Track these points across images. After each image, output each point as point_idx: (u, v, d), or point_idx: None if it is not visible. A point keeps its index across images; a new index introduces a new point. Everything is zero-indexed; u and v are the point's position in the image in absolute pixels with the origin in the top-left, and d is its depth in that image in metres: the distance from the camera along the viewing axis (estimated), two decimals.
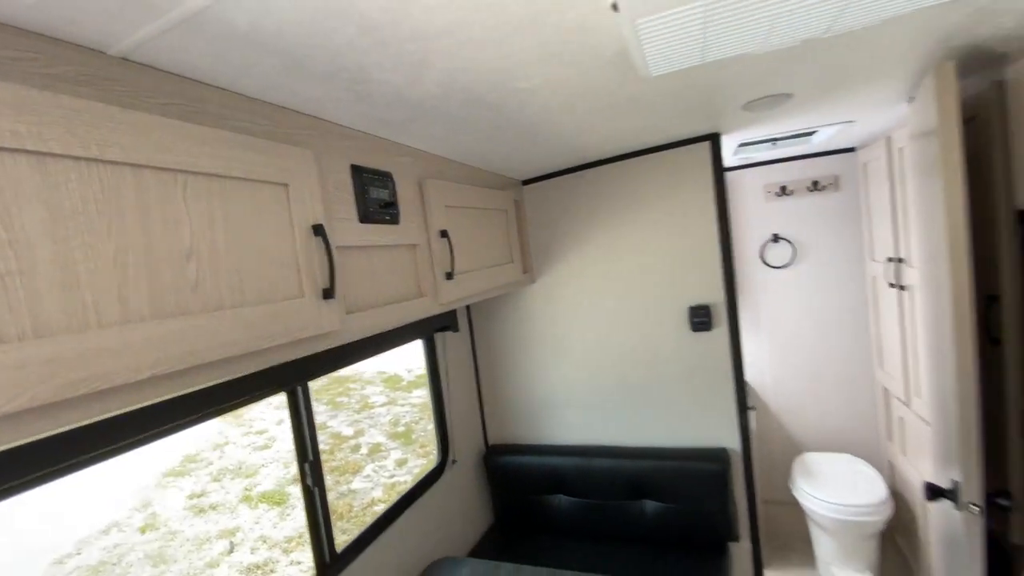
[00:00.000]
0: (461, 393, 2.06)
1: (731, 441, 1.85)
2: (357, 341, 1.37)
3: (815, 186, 2.56)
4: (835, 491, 2.26)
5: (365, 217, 1.03)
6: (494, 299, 2.15)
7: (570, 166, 1.97)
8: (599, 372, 2.03)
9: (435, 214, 1.28)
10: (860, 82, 1.37)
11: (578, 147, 1.67)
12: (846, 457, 2.53)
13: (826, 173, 2.54)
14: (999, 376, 1.36)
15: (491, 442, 2.24)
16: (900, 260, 2.03)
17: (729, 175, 2.70)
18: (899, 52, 1.14)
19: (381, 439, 6.04)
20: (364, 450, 5.73)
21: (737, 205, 2.74)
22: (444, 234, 1.29)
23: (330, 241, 0.89)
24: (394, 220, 1.12)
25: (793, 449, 2.77)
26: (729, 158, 2.36)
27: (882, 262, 2.21)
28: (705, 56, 0.80)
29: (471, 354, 2.19)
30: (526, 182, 2.07)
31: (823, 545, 2.36)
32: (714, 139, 1.78)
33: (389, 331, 1.49)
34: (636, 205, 1.91)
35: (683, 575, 1.65)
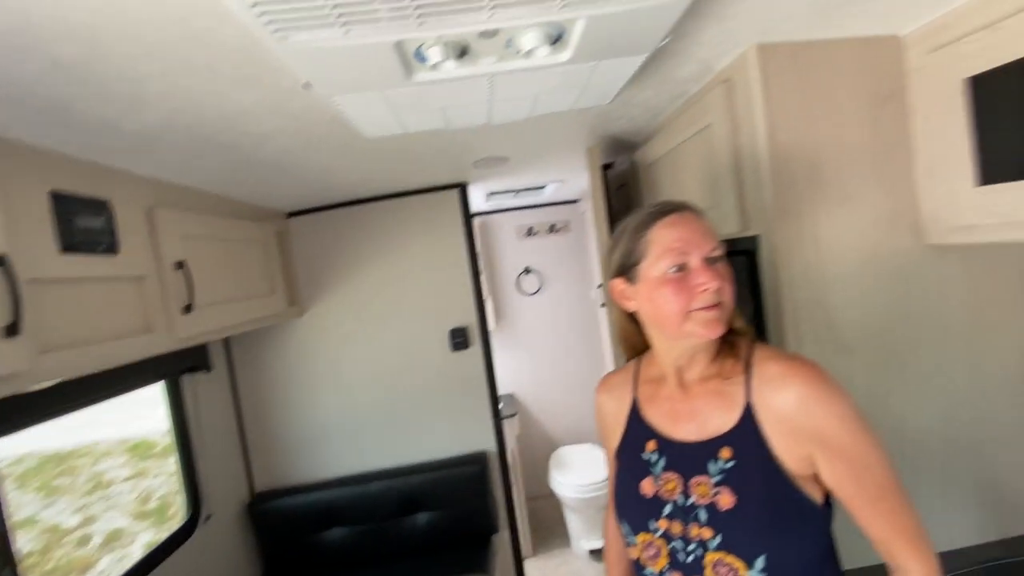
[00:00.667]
0: (219, 440, 1.91)
1: (489, 444, 2.14)
2: (65, 387, 1.21)
3: (552, 228, 3.17)
4: (577, 475, 2.76)
5: (70, 247, 0.96)
6: (260, 335, 2.07)
7: (336, 201, 2.07)
8: (372, 398, 2.12)
9: (169, 244, 1.24)
10: (554, 153, 1.83)
11: (338, 185, 1.79)
12: (587, 446, 3.11)
13: (559, 219, 3.18)
14: None
15: (259, 489, 2.10)
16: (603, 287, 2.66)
17: (488, 217, 3.15)
18: (568, 136, 1.58)
19: (123, 522, 4.87)
20: (97, 539, 4.55)
21: (496, 242, 3.20)
22: (181, 265, 1.25)
23: (16, 273, 0.82)
24: (111, 250, 1.06)
25: (551, 447, 3.27)
26: (483, 203, 2.78)
27: (596, 288, 2.86)
28: (406, 128, 1.03)
29: (232, 396, 2.05)
30: (292, 214, 2.08)
31: (573, 523, 2.84)
32: (462, 187, 2.11)
33: (113, 375, 1.33)
34: (401, 240, 2.11)
35: (451, 569, 1.82)
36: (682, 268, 0.70)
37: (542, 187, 2.61)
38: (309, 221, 2.09)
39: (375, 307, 2.10)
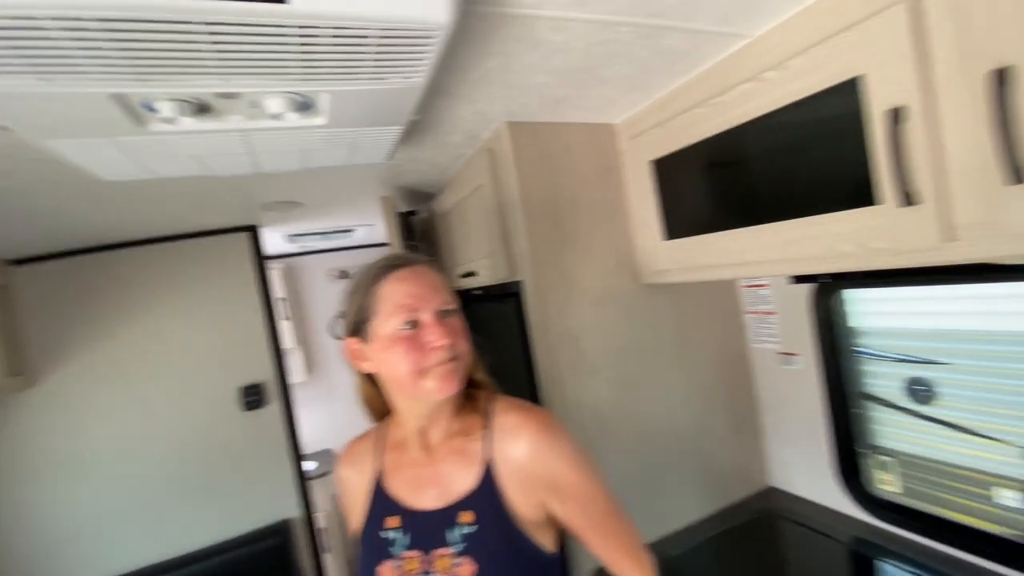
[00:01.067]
0: None
1: (292, 511, 1.96)
2: None
3: None
4: None
5: None
6: None
7: (86, 246, 1.75)
8: (144, 478, 1.78)
9: None
10: (352, 200, 1.84)
11: (84, 228, 1.52)
12: None
13: None
14: None
15: None
16: None
17: (294, 260, 2.98)
18: (361, 185, 1.62)
19: None
20: None
21: (306, 286, 3.03)
22: None
23: None
24: None
25: None
26: (287, 245, 2.63)
27: None
28: (154, 173, 0.95)
29: None
30: (19, 261, 1.69)
31: None
32: (253, 230, 1.97)
33: None
34: (178, 290, 1.86)
35: None
36: (414, 324, 0.68)
37: (351, 230, 2.58)
38: (47, 270, 1.71)
39: (140, 369, 1.80)
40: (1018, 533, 2.35)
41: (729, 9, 0.80)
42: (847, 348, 2.94)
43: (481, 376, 0.79)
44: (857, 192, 0.78)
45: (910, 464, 3.06)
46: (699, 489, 1.42)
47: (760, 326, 1.44)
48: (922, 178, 0.70)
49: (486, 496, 0.68)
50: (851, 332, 2.93)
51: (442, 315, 0.70)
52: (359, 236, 2.78)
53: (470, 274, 1.57)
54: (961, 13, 0.64)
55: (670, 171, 1.18)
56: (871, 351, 2.83)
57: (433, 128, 1.16)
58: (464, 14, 0.67)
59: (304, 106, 0.76)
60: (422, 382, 0.68)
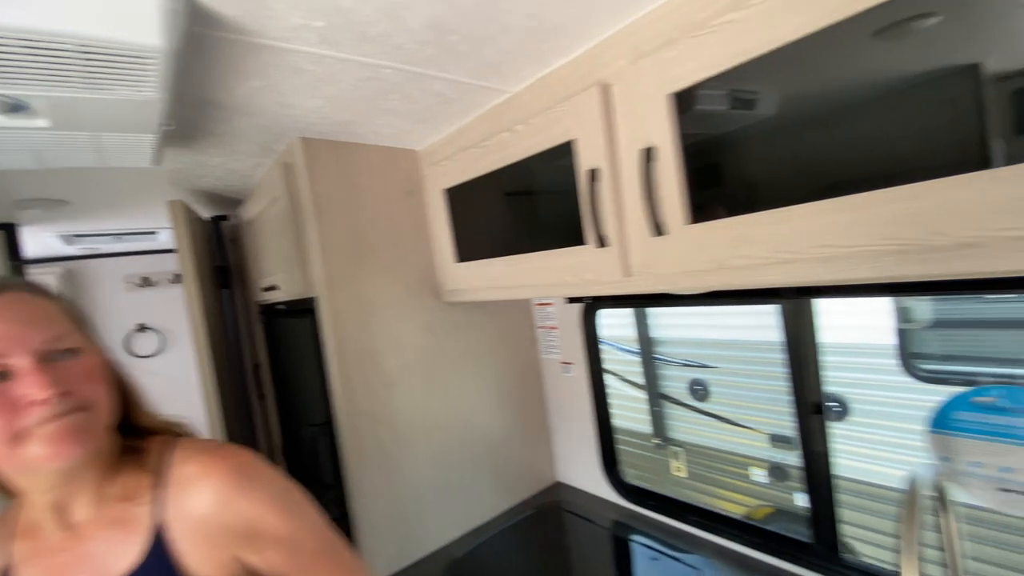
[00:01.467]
0: None
1: None
2: None
3: (178, 278, 2.81)
4: None
5: None
6: None
7: None
8: None
9: None
10: (142, 201, 1.66)
11: None
12: None
13: None
14: (267, 420, 1.92)
15: None
16: None
17: (77, 263, 2.56)
18: (145, 186, 1.47)
19: None
20: None
21: (94, 296, 2.61)
22: None
23: None
24: None
25: None
26: (65, 247, 2.25)
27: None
28: None
29: None
30: None
31: None
32: (10, 229, 1.66)
33: None
34: None
35: None
36: (4, 376, 0.51)
37: (153, 232, 2.30)
38: None
39: None
40: (763, 503, 2.91)
41: (479, 68, 0.92)
42: (648, 354, 3.38)
43: (151, 421, 0.66)
44: (575, 233, 0.95)
45: (694, 452, 3.63)
46: (496, 489, 1.55)
47: (547, 339, 1.64)
48: (610, 227, 0.88)
49: (154, 571, 0.57)
50: (652, 341, 3.39)
51: (49, 357, 0.53)
52: (165, 239, 2.49)
53: (272, 288, 1.52)
54: (628, 98, 0.83)
55: (459, 200, 1.29)
56: (665, 357, 3.33)
57: (214, 136, 1.12)
58: (196, 37, 0.68)
59: (14, 107, 0.70)
60: (21, 450, 0.51)
